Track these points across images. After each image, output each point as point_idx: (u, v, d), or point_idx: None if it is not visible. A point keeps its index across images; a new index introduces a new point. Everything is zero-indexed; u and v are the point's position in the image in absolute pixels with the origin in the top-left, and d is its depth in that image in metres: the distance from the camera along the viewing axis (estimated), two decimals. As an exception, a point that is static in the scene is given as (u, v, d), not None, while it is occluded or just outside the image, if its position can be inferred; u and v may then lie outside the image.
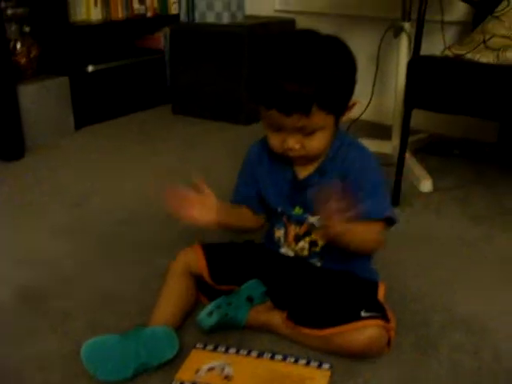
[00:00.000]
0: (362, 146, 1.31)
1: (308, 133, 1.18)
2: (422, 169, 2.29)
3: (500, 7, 2.15)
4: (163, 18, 3.45)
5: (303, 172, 1.30)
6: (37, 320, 1.40)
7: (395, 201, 2.05)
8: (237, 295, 1.32)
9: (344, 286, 1.30)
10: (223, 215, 1.26)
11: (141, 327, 1.24)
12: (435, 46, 2.49)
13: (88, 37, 3.06)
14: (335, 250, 1.26)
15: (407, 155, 2.13)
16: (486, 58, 2.00)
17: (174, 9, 3.48)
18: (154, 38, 3.52)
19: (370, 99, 2.68)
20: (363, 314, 1.21)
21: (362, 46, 2.79)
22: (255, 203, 1.38)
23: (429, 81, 1.93)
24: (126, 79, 3.22)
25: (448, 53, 2.12)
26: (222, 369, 1.21)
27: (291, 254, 1.35)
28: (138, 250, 1.74)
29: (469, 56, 2.05)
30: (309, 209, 1.29)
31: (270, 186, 1.34)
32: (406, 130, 2.02)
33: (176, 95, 3.29)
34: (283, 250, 1.36)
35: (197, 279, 1.38)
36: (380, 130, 2.83)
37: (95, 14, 3.09)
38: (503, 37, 2.06)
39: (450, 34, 2.70)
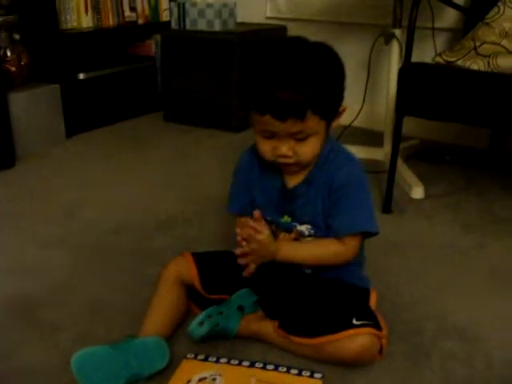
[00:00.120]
0: (350, 153, 1.31)
1: (301, 138, 1.18)
2: (413, 175, 2.29)
3: (490, 14, 2.16)
4: (154, 25, 3.45)
5: (292, 181, 1.30)
6: (26, 331, 1.39)
7: (387, 208, 2.04)
8: (228, 304, 1.31)
9: (335, 294, 1.30)
10: None
11: (131, 338, 1.23)
12: (426, 52, 2.51)
13: (79, 44, 3.05)
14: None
15: (399, 162, 2.12)
16: (477, 64, 2.00)
17: (165, 16, 3.49)
18: (145, 46, 3.51)
19: (362, 106, 2.68)
20: (355, 321, 1.20)
21: (353, 52, 2.82)
22: (250, 211, 1.37)
23: (420, 88, 1.93)
24: (117, 87, 3.22)
25: (439, 60, 2.12)
26: (213, 379, 1.20)
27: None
28: (129, 259, 1.72)
29: (460, 63, 2.05)
30: (297, 218, 1.29)
31: (260, 193, 1.34)
32: (397, 137, 2.02)
33: (167, 102, 3.28)
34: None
35: (188, 288, 1.37)
36: (372, 137, 2.83)
37: (86, 22, 3.08)
38: (494, 43, 2.07)
39: (441, 40, 2.71)
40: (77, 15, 3.03)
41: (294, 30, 3.24)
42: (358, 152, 1.31)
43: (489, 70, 1.99)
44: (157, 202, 2.15)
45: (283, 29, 3.28)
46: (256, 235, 1.22)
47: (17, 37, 2.69)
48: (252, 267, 1.26)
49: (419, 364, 1.27)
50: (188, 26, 3.09)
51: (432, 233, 1.92)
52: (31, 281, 1.61)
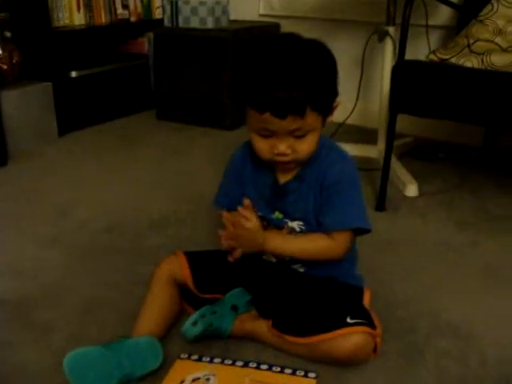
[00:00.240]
0: (342, 150, 1.31)
1: (300, 135, 1.18)
2: (407, 173, 2.29)
3: (484, 11, 2.16)
4: (147, 22, 3.43)
5: (283, 177, 1.29)
6: (19, 331, 1.38)
7: (380, 205, 2.04)
8: (221, 304, 1.31)
9: (329, 293, 1.29)
10: None
11: (124, 338, 1.22)
12: (420, 50, 2.50)
13: (71, 42, 3.04)
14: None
15: (393, 159, 2.12)
16: (471, 62, 2.00)
17: (157, 13, 3.47)
18: (137, 43, 3.50)
19: (356, 103, 2.68)
20: (349, 320, 1.20)
21: (346, 50, 2.82)
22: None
23: (414, 85, 1.92)
24: (109, 85, 3.20)
25: (433, 57, 2.12)
26: (207, 379, 1.19)
27: (273, 259, 1.34)
28: (122, 258, 1.72)
29: (453, 60, 2.05)
30: (289, 214, 1.29)
31: (252, 189, 1.33)
32: (391, 135, 2.02)
33: (160, 100, 3.27)
34: (265, 257, 1.35)
35: (181, 288, 1.36)
36: (365, 134, 2.83)
37: (78, 19, 3.06)
38: (487, 41, 2.07)
39: (435, 38, 2.71)
40: (69, 13, 3.01)
41: (287, 28, 3.23)
42: (352, 149, 1.31)
43: (482, 67, 1.99)
44: (150, 201, 2.14)
45: (276, 26, 3.27)
46: (245, 222, 1.22)
47: (8, 34, 2.67)
48: (238, 252, 1.26)
49: (413, 362, 1.27)
50: (181, 24, 3.07)
51: (426, 230, 1.92)
52: (24, 281, 1.60)
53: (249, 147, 1.31)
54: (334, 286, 1.31)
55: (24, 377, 1.23)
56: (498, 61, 1.97)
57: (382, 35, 2.48)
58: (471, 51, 2.05)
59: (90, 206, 2.10)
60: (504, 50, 2.03)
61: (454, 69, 1.99)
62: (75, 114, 3.03)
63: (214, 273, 1.37)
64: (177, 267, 1.35)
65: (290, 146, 1.19)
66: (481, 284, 1.59)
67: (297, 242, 1.29)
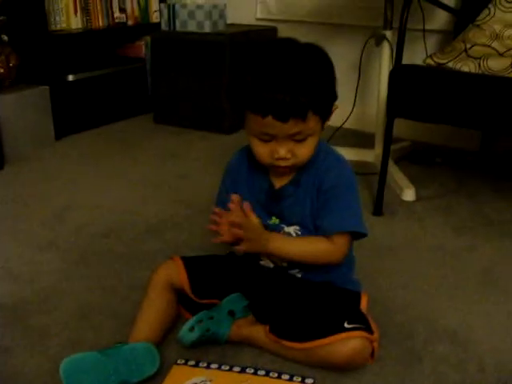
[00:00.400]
0: (339, 154, 1.31)
1: (300, 139, 1.17)
2: (404, 177, 2.29)
3: (481, 16, 2.17)
4: (144, 26, 3.43)
5: (279, 181, 1.29)
6: (16, 336, 1.37)
7: (378, 210, 2.04)
8: (218, 309, 1.30)
9: (326, 298, 1.29)
10: None
11: (120, 344, 1.22)
12: (417, 54, 2.51)
13: (68, 46, 3.03)
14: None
15: (390, 164, 2.12)
16: (468, 66, 2.01)
17: (155, 17, 3.48)
18: (135, 47, 3.50)
19: (353, 108, 2.68)
20: (346, 325, 1.19)
21: (343, 54, 2.82)
22: None
23: (411, 90, 1.92)
24: (106, 88, 3.20)
25: (430, 62, 2.13)
26: (204, 385, 1.19)
27: (271, 265, 1.34)
28: (119, 263, 1.71)
29: (450, 65, 2.06)
30: (285, 219, 1.29)
31: (248, 194, 1.32)
32: (388, 139, 2.02)
33: (157, 104, 3.27)
34: (263, 262, 1.35)
35: (178, 293, 1.35)
36: (363, 139, 2.83)
37: (75, 23, 3.05)
38: (484, 45, 2.07)
39: (432, 42, 2.71)
40: (66, 16, 3.01)
41: (284, 32, 3.23)
42: (349, 154, 1.30)
43: (479, 72, 1.99)
44: (147, 205, 2.13)
45: (273, 30, 3.28)
46: (250, 219, 1.22)
47: (5, 38, 2.67)
48: (241, 248, 1.23)
49: (411, 368, 1.26)
50: (178, 28, 3.07)
51: (423, 235, 1.92)
52: (20, 285, 1.59)
53: (246, 152, 1.31)
54: (331, 291, 1.31)
55: (20, 382, 1.22)
56: (495, 65, 1.97)
57: (380, 39, 2.48)
58: (468, 56, 2.05)
59: (87, 210, 2.09)
60: (501, 55, 2.03)
61: (451, 73, 1.99)
62: (72, 117, 3.02)
63: (211, 278, 1.36)
64: (174, 272, 1.34)
65: (290, 150, 1.18)
66: (478, 289, 1.59)
67: (297, 245, 1.28)
